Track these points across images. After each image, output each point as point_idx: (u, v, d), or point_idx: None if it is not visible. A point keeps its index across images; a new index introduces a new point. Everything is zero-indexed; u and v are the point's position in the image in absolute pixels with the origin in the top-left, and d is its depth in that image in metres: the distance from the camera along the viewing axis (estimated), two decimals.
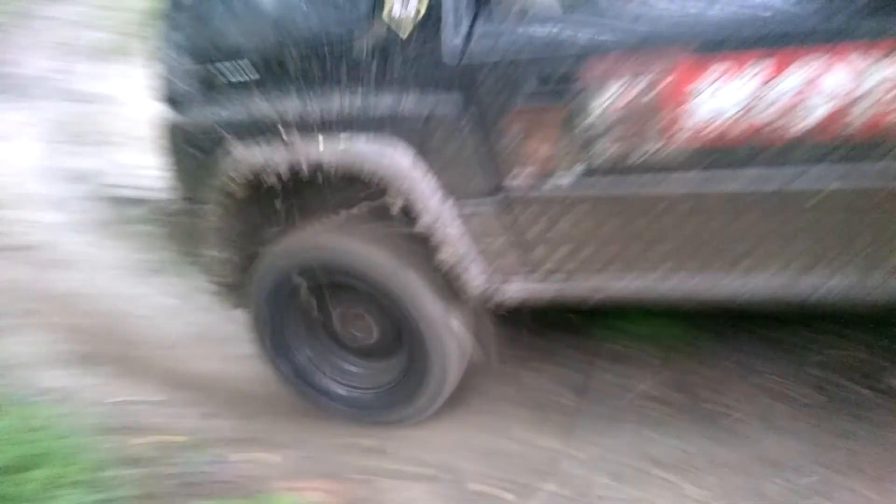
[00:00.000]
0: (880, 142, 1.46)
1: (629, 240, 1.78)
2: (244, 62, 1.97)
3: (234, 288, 2.29)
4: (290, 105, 1.90)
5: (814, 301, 1.70)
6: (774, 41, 1.45)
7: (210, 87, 2.04)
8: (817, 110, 1.47)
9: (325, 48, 1.84)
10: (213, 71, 2.02)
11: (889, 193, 1.51)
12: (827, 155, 1.51)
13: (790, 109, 1.49)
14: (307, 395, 2.33)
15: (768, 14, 1.45)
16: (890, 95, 1.40)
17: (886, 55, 1.38)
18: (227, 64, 2.00)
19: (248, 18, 1.99)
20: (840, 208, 1.57)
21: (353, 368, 2.30)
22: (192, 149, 2.09)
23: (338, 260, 2.05)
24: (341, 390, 2.29)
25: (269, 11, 1.96)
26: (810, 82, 1.45)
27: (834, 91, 1.44)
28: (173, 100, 2.12)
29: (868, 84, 1.41)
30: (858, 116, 1.45)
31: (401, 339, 2.14)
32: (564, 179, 1.74)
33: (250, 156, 1.96)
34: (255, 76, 1.96)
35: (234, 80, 2.00)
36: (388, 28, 1.75)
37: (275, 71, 1.92)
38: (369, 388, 2.27)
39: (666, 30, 1.53)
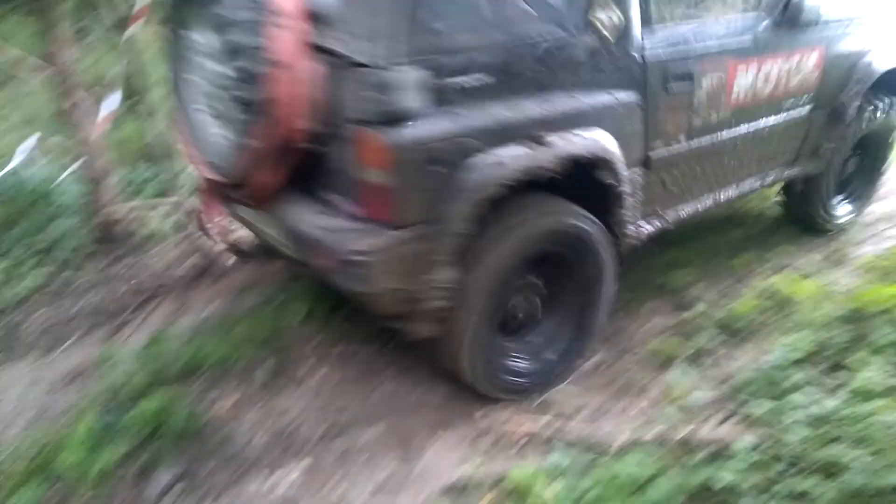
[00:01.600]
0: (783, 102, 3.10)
1: (703, 177, 2.90)
2: (480, 67, 2.07)
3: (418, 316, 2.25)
4: (530, 106, 2.20)
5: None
6: (748, 53, 2.84)
7: (443, 96, 2.01)
8: (766, 87, 2.97)
9: (555, 52, 2.24)
10: (447, 79, 2.01)
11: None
12: (770, 111, 3.02)
13: (757, 86, 2.93)
14: (507, 388, 2.50)
15: (745, 38, 2.85)
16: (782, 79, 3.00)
17: (786, 59, 2.95)
18: (462, 69, 2.04)
19: (482, 24, 2.08)
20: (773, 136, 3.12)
21: (537, 339, 2.60)
22: (434, 164, 2.03)
23: (570, 234, 2.40)
24: (533, 365, 2.56)
25: (500, 17, 2.11)
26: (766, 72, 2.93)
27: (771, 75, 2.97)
28: (394, 116, 1.94)
29: (778, 72, 2.96)
30: (775, 90, 3.03)
31: (559, 301, 2.58)
32: (678, 145, 2.69)
33: (513, 160, 2.12)
34: (490, 80, 2.10)
35: (468, 86, 2.06)
36: (600, 35, 2.34)
37: (511, 74, 2.14)
38: (550, 351, 2.60)
39: (721, 45, 2.74)
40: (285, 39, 1.99)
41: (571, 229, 2.40)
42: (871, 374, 2.39)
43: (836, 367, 2.61)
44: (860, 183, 3.86)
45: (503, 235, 2.24)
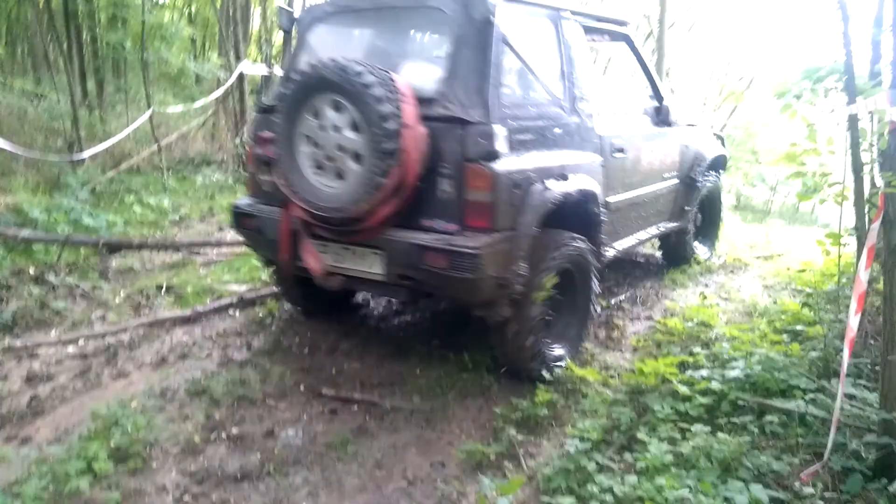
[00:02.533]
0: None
1: (631, 220, 4.37)
2: (528, 129, 3.32)
3: None
4: (555, 156, 3.50)
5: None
6: (647, 138, 4.52)
7: (512, 145, 3.16)
8: (655, 162, 4.60)
9: (561, 126, 3.60)
10: (514, 135, 3.19)
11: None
12: (659, 179, 4.67)
13: (653, 161, 4.59)
14: (550, 369, 3.36)
15: (645, 129, 4.59)
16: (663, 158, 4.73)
17: (663, 145, 4.66)
18: (520, 130, 3.26)
19: (527, 105, 3.44)
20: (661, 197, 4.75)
21: (558, 330, 3.58)
22: (514, 188, 3.13)
23: (580, 255, 3.55)
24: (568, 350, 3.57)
25: (535, 103, 3.50)
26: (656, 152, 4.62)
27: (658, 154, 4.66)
28: (493, 155, 3.02)
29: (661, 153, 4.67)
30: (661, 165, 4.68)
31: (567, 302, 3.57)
32: (620, 195, 4.08)
33: (554, 187, 3.32)
34: (533, 138, 3.36)
35: (524, 140, 3.26)
36: (582, 117, 3.75)
37: (542, 135, 3.44)
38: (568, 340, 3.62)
39: (635, 132, 4.36)
40: (408, 111, 2.94)
41: (580, 251, 3.49)
42: (654, 450, 2.55)
43: (627, 446, 2.76)
44: (707, 231, 5.69)
45: (549, 256, 3.31)
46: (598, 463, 2.58)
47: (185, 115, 9.98)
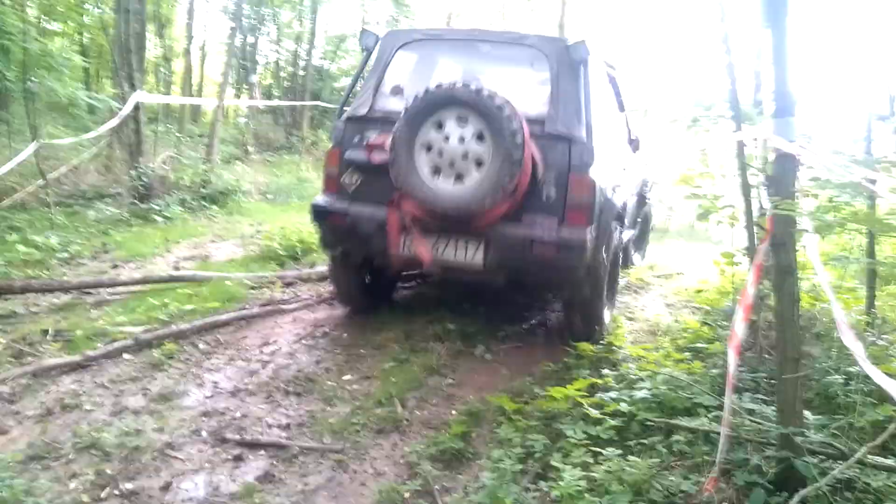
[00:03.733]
0: None
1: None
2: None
3: None
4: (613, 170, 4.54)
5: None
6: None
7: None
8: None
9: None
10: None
11: None
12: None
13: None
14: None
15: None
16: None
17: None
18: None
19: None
20: None
21: None
22: (601, 192, 4.00)
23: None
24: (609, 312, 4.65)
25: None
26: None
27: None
28: (590, 166, 3.83)
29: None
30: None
31: None
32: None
33: (621, 193, 4.65)
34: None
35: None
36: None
37: (605, 157, 4.17)
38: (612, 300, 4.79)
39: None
40: (525, 130, 3.58)
41: (621, 239, 4.70)
42: (568, 476, 2.54)
43: (542, 474, 2.75)
44: (641, 241, 6.82)
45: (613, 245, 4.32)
46: (514, 495, 2.54)
47: (76, 147, 9.43)
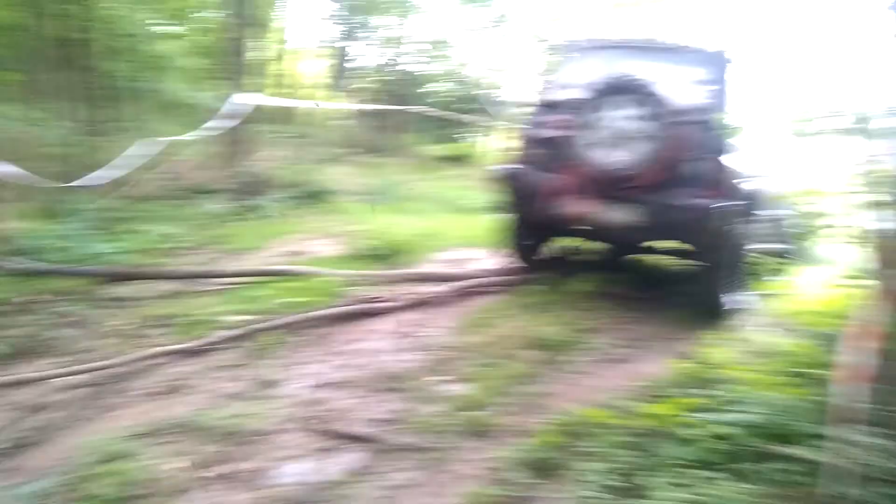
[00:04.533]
0: None
1: None
2: None
3: None
4: None
5: None
6: None
7: None
8: None
9: None
10: None
11: None
12: None
13: None
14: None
15: None
16: None
17: None
18: None
19: None
20: None
21: None
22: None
23: None
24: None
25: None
26: None
27: None
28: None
29: None
30: None
31: None
32: None
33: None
34: None
35: None
36: None
37: None
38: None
39: None
40: (677, 116, 4.48)
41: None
42: (660, 496, 2.48)
43: (631, 491, 2.69)
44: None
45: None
46: None
47: (189, 145, 10.01)
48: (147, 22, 10.52)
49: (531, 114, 5.34)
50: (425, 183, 12.70)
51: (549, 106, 5.13)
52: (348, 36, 17.49)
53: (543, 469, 2.90)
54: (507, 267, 5.96)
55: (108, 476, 2.69)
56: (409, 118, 16.71)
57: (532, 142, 5.13)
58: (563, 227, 5.33)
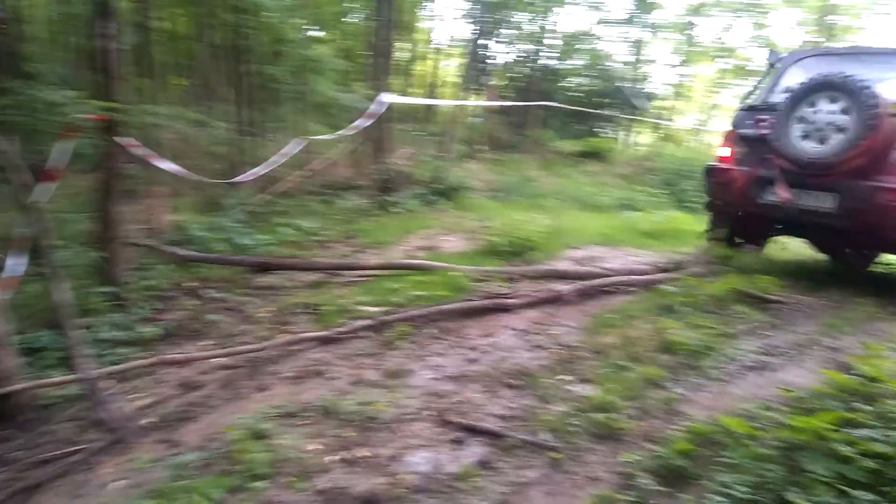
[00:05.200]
0: None
1: None
2: None
3: None
4: None
5: None
6: None
7: None
8: None
9: None
10: None
11: None
12: None
13: None
14: None
15: None
16: None
17: None
18: None
19: None
20: None
21: None
22: None
23: None
24: None
25: None
26: None
27: None
28: None
29: None
30: None
31: None
32: None
33: None
34: None
35: None
36: None
37: None
38: None
39: None
40: (884, 107, 4.67)
41: None
42: None
43: None
44: None
45: None
46: None
47: (332, 143, 10.55)
48: (301, 28, 11.18)
49: (740, 116, 5.74)
50: (559, 179, 12.54)
51: (753, 109, 5.64)
52: (485, 33, 17.62)
53: (677, 478, 2.77)
54: (643, 266, 5.76)
55: (253, 452, 2.90)
56: (545, 114, 16.57)
57: (741, 139, 5.58)
58: (769, 218, 5.74)
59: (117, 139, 4.76)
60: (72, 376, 3.57)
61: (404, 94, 16.63)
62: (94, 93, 4.63)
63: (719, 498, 2.49)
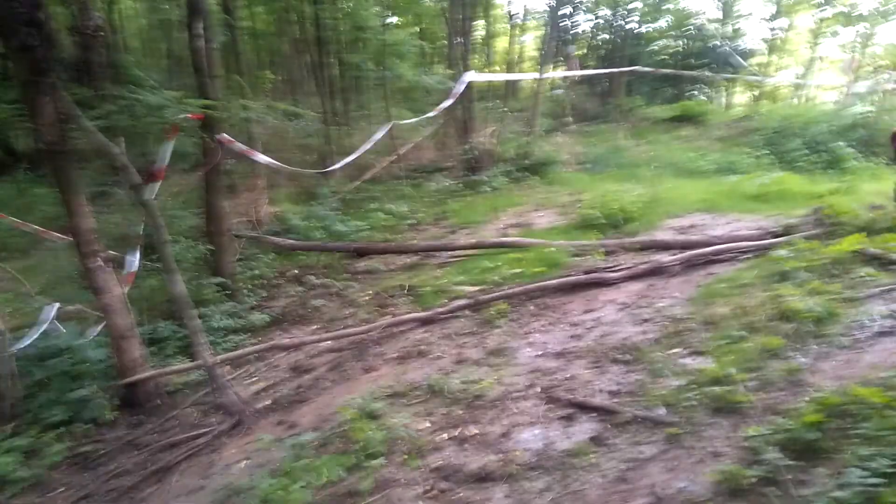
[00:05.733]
0: None
1: None
2: None
3: None
4: None
5: None
6: None
7: None
8: None
9: None
10: None
11: None
12: None
13: None
14: None
15: None
16: None
17: None
18: None
19: None
20: None
21: None
22: None
23: None
24: None
25: None
26: None
27: None
28: None
29: None
30: None
31: None
32: None
33: None
34: None
35: None
36: None
37: None
38: None
39: None
40: None
41: None
42: None
43: None
44: None
45: None
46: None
47: (416, 126, 10.61)
48: (380, 14, 11.29)
49: None
50: (652, 147, 12.10)
51: None
52: (563, 2, 17.15)
53: (809, 452, 2.60)
54: (753, 231, 5.45)
55: (367, 431, 2.95)
56: (631, 80, 15.99)
57: None
58: None
59: (215, 136, 4.95)
60: (192, 364, 3.75)
61: (484, 71, 16.49)
62: (190, 93, 4.82)
63: (860, 472, 2.31)
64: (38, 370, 3.69)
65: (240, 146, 5.45)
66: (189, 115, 4.68)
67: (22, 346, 3.79)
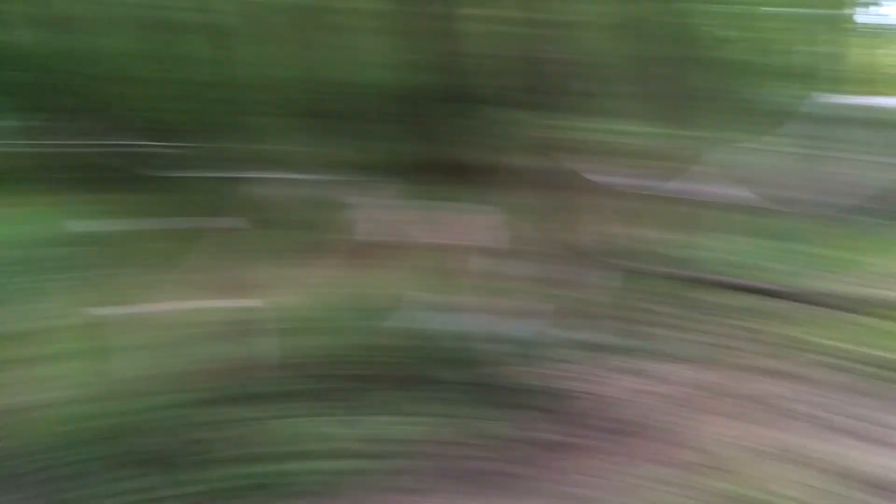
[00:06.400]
0: None
1: None
2: None
3: None
4: None
5: None
6: None
7: None
8: None
9: None
10: None
11: None
12: None
13: None
14: None
15: None
16: None
17: None
18: None
19: None
20: None
21: None
22: None
23: None
24: None
25: None
26: None
27: None
28: None
29: None
30: None
31: None
32: None
33: None
34: None
35: None
36: None
37: None
38: None
39: None
40: None
41: None
42: None
43: None
44: None
45: None
46: None
47: (758, 151, 9.25)
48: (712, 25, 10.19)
49: None
50: None
51: None
52: None
53: None
54: None
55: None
56: None
57: None
58: None
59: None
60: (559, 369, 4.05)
61: (847, 91, 13.78)
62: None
63: None
64: None
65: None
66: None
67: None
